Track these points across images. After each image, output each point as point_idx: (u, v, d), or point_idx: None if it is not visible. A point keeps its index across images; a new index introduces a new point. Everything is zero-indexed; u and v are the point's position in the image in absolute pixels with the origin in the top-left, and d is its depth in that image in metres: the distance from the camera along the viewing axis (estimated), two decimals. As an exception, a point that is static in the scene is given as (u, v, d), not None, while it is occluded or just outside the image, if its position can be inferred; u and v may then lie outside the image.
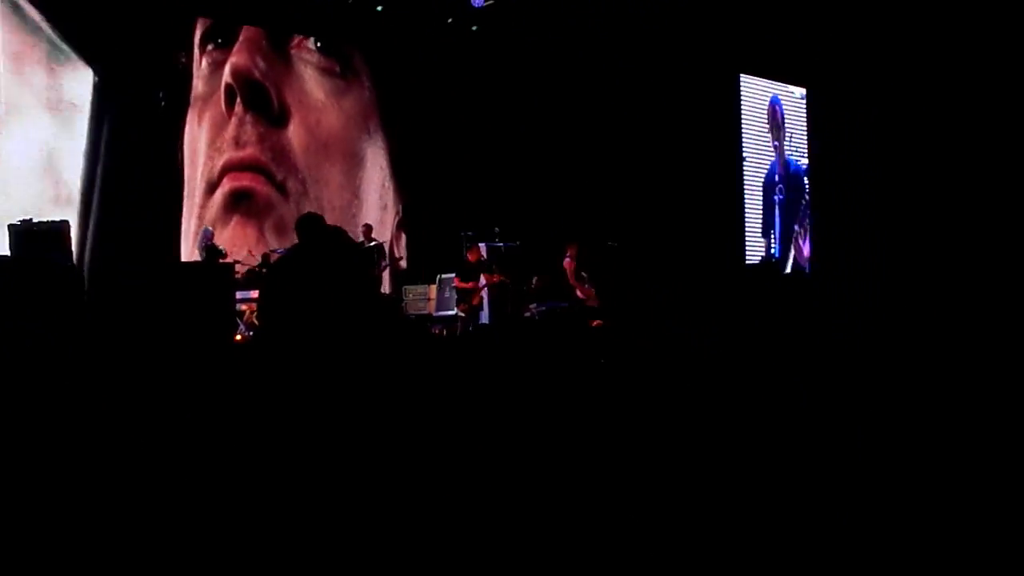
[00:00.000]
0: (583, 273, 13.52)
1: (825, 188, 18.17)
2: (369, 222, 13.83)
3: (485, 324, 12.10)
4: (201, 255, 11.79)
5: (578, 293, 13.51)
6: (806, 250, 18.34)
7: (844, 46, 16.25)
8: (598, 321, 12.25)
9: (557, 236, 13.78)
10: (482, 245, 13.16)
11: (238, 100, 13.32)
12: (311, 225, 7.19)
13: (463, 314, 12.51)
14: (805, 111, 18.53)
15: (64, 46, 11.77)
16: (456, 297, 12.69)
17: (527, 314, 12.50)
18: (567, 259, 13.49)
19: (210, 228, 12.39)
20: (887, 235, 16.19)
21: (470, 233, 13.22)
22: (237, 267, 11.01)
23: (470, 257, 12.82)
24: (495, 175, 14.43)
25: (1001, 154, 14.81)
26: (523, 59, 14.62)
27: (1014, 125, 14.74)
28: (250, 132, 13.49)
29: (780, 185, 18.14)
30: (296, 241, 7.24)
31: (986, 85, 14.98)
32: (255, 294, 10.27)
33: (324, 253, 7.12)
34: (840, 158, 17.59)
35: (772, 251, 17.53)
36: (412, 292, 13.58)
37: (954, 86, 15.44)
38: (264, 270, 11.24)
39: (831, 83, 17.45)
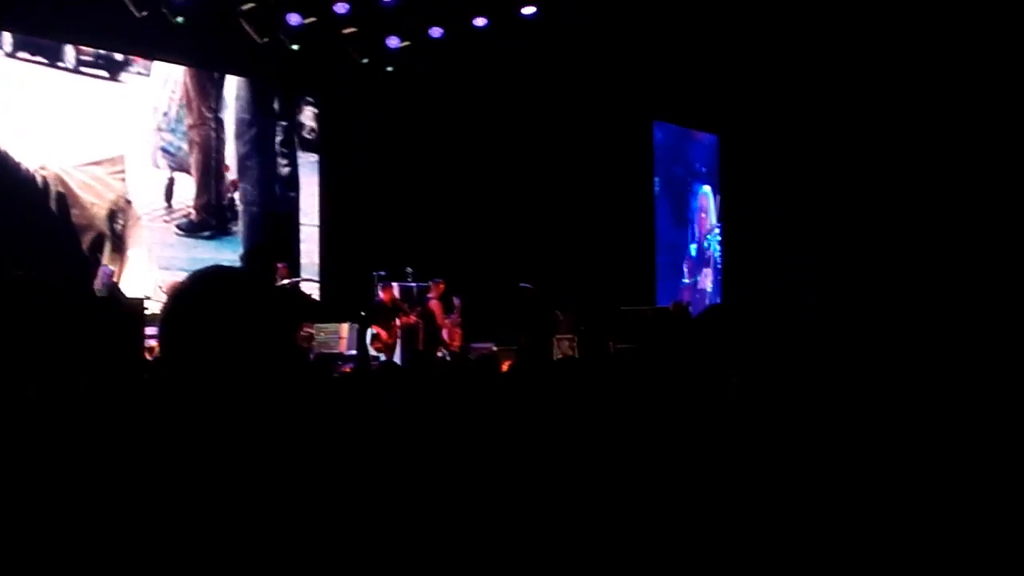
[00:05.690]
0: (453, 313, 13.28)
1: (734, 235, 18.66)
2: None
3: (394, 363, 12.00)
4: (103, 295, 11.42)
5: (444, 335, 13.17)
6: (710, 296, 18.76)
7: (752, 95, 16.76)
8: (507, 364, 12.12)
9: (470, 276, 13.79)
10: (395, 285, 13.14)
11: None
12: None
13: (380, 353, 12.44)
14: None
15: None
16: (370, 336, 12.61)
17: (439, 354, 12.45)
18: (432, 300, 13.18)
19: (109, 267, 11.99)
20: (798, 274, 16.70)
21: (382, 273, 13.18)
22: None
23: (384, 297, 12.76)
24: (409, 215, 14.44)
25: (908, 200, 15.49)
26: (440, 100, 14.71)
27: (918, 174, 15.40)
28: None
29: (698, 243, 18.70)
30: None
31: (890, 126, 15.66)
32: None
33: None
34: (749, 203, 18.08)
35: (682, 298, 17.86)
36: (324, 331, 13.43)
37: (857, 128, 16.09)
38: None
39: (740, 129, 17.96)
